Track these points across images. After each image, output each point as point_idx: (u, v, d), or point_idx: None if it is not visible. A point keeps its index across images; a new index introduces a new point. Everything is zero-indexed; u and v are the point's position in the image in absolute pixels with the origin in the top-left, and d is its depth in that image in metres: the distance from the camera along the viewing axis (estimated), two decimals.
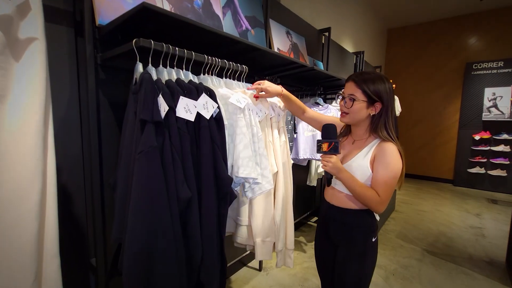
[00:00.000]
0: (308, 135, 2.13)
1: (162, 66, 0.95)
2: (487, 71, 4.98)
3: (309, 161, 2.55)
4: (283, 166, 1.19)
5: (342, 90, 1.04)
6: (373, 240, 1.03)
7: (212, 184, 0.88)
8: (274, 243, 1.18)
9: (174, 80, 0.90)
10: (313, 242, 2.83)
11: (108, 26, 1.02)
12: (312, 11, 3.18)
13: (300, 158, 2.12)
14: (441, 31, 5.55)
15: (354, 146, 1.05)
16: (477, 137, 5.02)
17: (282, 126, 1.20)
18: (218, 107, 0.92)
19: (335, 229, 1.07)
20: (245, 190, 1.03)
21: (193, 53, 1.02)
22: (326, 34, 3.08)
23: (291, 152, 2.09)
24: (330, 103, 2.50)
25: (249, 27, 1.85)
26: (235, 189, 1.06)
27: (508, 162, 4.78)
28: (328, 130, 0.98)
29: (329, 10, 3.62)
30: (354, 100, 0.96)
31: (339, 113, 2.23)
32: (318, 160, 2.21)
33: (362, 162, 0.98)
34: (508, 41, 4.89)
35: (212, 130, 0.88)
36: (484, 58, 5.08)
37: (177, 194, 0.78)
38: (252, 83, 1.39)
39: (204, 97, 0.86)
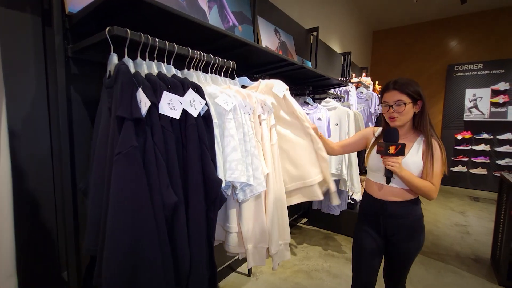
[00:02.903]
0: None
1: (141, 59, 0.86)
2: (468, 73, 5.14)
3: None
4: (275, 168, 1.12)
5: (384, 100, 1.15)
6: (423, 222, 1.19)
7: (200, 187, 0.79)
8: (267, 248, 1.10)
9: (155, 74, 0.82)
10: (304, 244, 2.80)
11: (80, 14, 0.92)
12: (300, 10, 3.15)
13: None
14: (424, 34, 5.69)
15: None
16: (459, 137, 5.16)
17: (273, 124, 1.13)
18: (207, 104, 0.84)
19: (392, 224, 1.17)
20: (236, 192, 0.95)
21: (175, 45, 0.94)
22: (314, 33, 3.06)
23: None
24: (319, 103, 2.47)
25: (236, 23, 1.78)
26: (225, 191, 0.98)
27: (488, 161, 4.94)
28: (393, 134, 1.08)
29: (317, 10, 3.61)
30: (405, 104, 1.09)
31: (328, 112, 2.20)
32: None
33: (416, 158, 1.10)
34: (487, 43, 5.08)
35: (200, 129, 0.79)
36: (465, 60, 5.25)
37: (162, 199, 0.69)
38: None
39: (190, 93, 0.78)
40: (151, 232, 0.66)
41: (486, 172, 4.97)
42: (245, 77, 1.22)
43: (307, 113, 2.10)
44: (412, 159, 1.10)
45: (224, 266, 2.05)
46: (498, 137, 4.85)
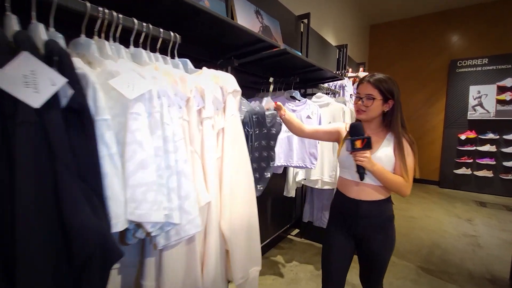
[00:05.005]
0: (282, 136, 1.71)
1: None
2: (472, 69, 4.81)
3: (285, 168, 2.14)
4: (225, 192, 0.75)
5: (356, 91, 1.13)
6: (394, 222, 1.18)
7: (48, 244, 0.42)
8: None
9: None
10: (293, 263, 2.44)
11: None
12: None
13: (273, 165, 1.70)
14: (424, 28, 5.36)
15: (372, 140, 1.11)
16: (463, 137, 4.84)
17: (223, 127, 0.76)
18: (75, 85, 0.46)
19: (364, 224, 1.14)
20: (153, 234, 0.58)
21: None
22: (305, 21, 2.69)
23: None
24: (310, 98, 2.11)
25: None
26: (138, 231, 0.61)
27: (494, 163, 4.62)
28: (357, 128, 1.06)
29: None
30: (373, 99, 1.07)
31: (319, 109, 1.84)
32: (295, 167, 1.80)
33: (387, 152, 1.10)
34: (492, 37, 4.75)
35: (53, 131, 0.42)
36: (468, 55, 4.91)
37: None
38: (201, 66, 0.96)
39: (26, 61, 0.40)
40: None
41: (492, 175, 4.64)
42: (186, 60, 0.86)
43: (293, 110, 1.73)
44: (384, 153, 1.10)
45: None
46: (505, 137, 4.52)
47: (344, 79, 2.60)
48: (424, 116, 5.43)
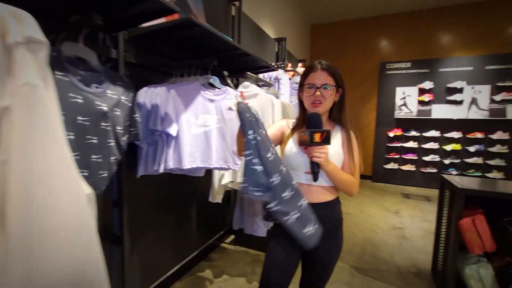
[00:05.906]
0: (197, 132, 1.39)
1: None
2: (398, 71, 5.22)
3: (209, 170, 1.82)
4: (14, 229, 0.41)
5: (309, 81, 0.98)
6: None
7: None
8: None
9: None
10: (223, 277, 2.15)
11: None
12: None
13: (186, 167, 1.36)
14: (359, 31, 5.63)
15: None
16: (391, 134, 5.21)
17: (7, 106, 0.41)
18: None
19: None
20: None
21: None
22: (237, 3, 2.42)
23: (166, 161, 1.32)
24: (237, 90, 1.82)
25: None
26: None
27: (417, 157, 5.08)
28: (317, 118, 0.92)
29: None
30: (332, 87, 0.98)
31: (240, 99, 1.57)
32: (216, 169, 1.50)
33: (338, 149, 1.01)
34: (415, 43, 5.21)
35: None
36: (396, 59, 5.31)
37: None
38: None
39: None
40: None
41: (414, 169, 5.11)
42: None
43: (212, 100, 1.42)
44: (335, 150, 1.00)
45: None
46: (424, 134, 5.00)
47: (278, 70, 2.40)
48: (359, 115, 5.72)
